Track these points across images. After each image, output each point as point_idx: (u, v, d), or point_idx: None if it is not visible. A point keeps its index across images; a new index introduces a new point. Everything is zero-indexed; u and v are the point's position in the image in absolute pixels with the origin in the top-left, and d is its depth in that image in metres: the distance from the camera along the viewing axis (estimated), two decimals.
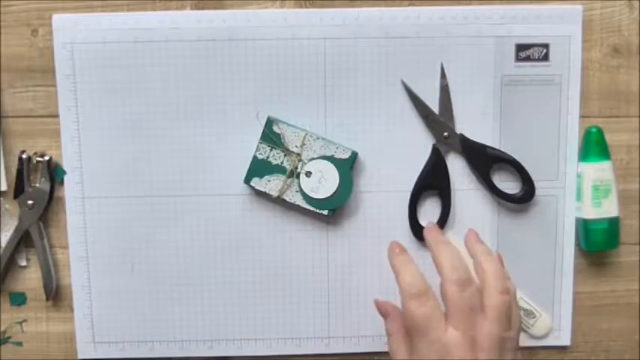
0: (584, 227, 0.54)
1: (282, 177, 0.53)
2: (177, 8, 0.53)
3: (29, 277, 0.55)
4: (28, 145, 0.54)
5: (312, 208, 0.53)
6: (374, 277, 0.55)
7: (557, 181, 0.54)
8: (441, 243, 0.48)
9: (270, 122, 0.52)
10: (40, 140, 0.54)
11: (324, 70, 0.53)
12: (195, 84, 0.53)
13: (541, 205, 0.54)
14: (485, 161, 0.53)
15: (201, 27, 0.52)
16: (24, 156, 0.53)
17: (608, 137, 0.54)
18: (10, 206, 0.54)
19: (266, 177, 0.53)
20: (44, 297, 0.55)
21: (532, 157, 0.54)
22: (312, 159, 0.52)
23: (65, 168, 0.54)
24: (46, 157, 0.53)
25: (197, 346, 0.55)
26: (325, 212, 0.53)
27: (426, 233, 0.50)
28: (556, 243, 0.55)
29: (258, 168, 0.53)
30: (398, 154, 0.54)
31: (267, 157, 0.53)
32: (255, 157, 0.53)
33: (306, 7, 0.53)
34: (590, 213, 0.54)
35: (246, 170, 0.53)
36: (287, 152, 0.53)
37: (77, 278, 0.55)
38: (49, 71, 0.53)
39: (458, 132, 0.53)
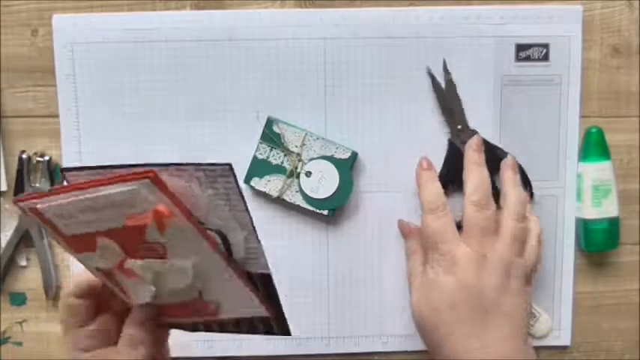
0: (585, 227, 0.54)
1: (282, 177, 0.53)
2: (177, 8, 0.53)
3: (29, 277, 0.55)
4: (28, 145, 0.54)
5: (312, 208, 0.53)
6: (374, 277, 0.55)
7: (557, 181, 0.54)
8: (474, 164, 0.50)
9: (270, 122, 0.52)
10: (40, 140, 0.54)
11: (324, 70, 0.53)
12: (195, 84, 0.53)
13: (541, 205, 0.54)
14: (492, 161, 0.52)
15: (201, 27, 0.52)
16: (24, 156, 0.53)
17: (608, 137, 0.54)
18: (10, 206, 0.54)
19: (266, 177, 0.53)
20: (44, 297, 0.55)
21: (532, 157, 0.54)
22: (312, 159, 0.52)
23: None
24: (46, 157, 0.53)
25: (197, 345, 0.55)
26: (325, 212, 0.53)
27: (468, 147, 0.51)
28: (556, 243, 0.55)
29: (258, 168, 0.53)
30: (398, 153, 0.54)
31: (267, 157, 0.53)
32: (255, 157, 0.53)
33: (306, 7, 0.53)
34: (590, 213, 0.54)
35: (246, 170, 0.53)
36: (287, 152, 0.53)
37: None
38: (49, 71, 0.53)
39: (471, 128, 0.53)
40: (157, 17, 0.52)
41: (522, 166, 0.53)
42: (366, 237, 0.55)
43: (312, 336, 0.55)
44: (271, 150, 0.53)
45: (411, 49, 0.53)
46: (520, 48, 0.53)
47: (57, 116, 0.53)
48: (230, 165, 0.37)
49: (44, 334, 0.56)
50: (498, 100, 0.54)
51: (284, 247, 0.54)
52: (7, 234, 0.54)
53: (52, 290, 0.55)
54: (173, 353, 0.55)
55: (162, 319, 0.43)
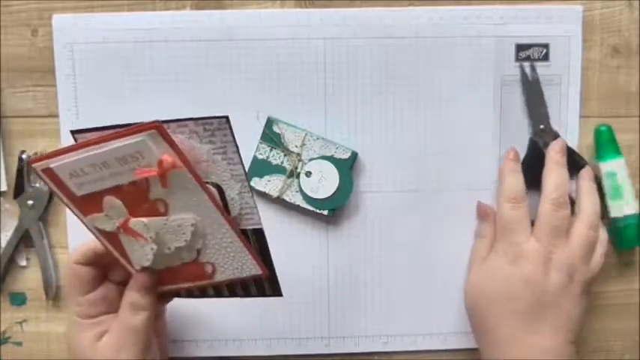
0: (626, 225, 0.54)
1: (282, 177, 0.53)
2: (177, 8, 0.53)
3: (29, 277, 0.55)
4: (28, 145, 0.54)
5: (312, 208, 0.53)
6: (374, 277, 0.55)
7: None
8: (556, 163, 0.50)
9: (270, 122, 0.52)
10: (40, 140, 0.54)
11: (324, 70, 0.53)
12: (195, 84, 0.53)
13: None
14: (569, 165, 0.52)
15: (201, 27, 0.52)
16: (24, 156, 0.53)
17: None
18: (10, 206, 0.54)
19: (266, 177, 0.53)
20: (44, 297, 0.55)
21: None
22: (312, 159, 0.52)
23: None
24: None
25: (197, 345, 0.55)
26: (325, 212, 0.53)
27: (551, 148, 0.51)
28: None
29: (258, 168, 0.53)
30: (398, 153, 0.54)
31: (267, 157, 0.53)
32: (255, 157, 0.53)
33: (306, 7, 0.53)
34: (631, 208, 0.53)
35: (249, 180, 0.53)
36: (287, 152, 0.53)
37: None
38: (49, 71, 0.53)
39: (554, 129, 0.53)
40: (157, 17, 0.52)
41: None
42: (366, 237, 0.55)
43: (312, 336, 0.55)
44: (271, 150, 0.53)
45: (410, 49, 0.53)
46: (520, 48, 0.53)
47: (57, 116, 0.53)
48: (227, 117, 0.41)
49: (44, 334, 0.56)
50: (498, 100, 0.54)
51: (284, 247, 0.54)
52: (7, 234, 0.54)
53: (52, 290, 0.55)
54: (173, 353, 0.55)
55: (160, 288, 0.45)
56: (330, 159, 0.52)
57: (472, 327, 0.51)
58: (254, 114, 0.53)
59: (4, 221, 0.54)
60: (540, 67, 0.53)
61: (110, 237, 0.42)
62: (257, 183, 0.53)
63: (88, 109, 0.53)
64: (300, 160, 0.53)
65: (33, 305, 0.56)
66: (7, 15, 0.53)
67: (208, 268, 0.44)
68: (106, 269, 0.46)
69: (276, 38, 0.53)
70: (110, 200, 0.41)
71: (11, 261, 0.55)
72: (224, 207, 0.42)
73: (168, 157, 0.38)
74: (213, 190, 0.42)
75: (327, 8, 0.53)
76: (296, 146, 0.52)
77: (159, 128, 0.38)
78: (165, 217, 0.41)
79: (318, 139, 0.53)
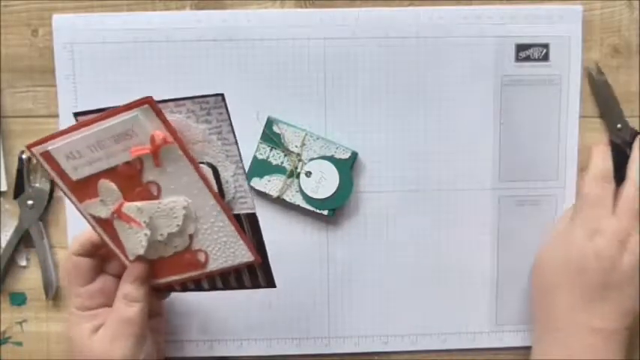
0: None
1: (282, 177, 0.53)
2: (177, 8, 0.53)
3: (29, 277, 0.55)
4: None
5: (312, 208, 0.53)
6: (374, 277, 0.55)
7: (557, 181, 0.54)
8: None
9: (270, 122, 0.52)
10: None
11: (324, 70, 0.53)
12: (195, 84, 0.53)
13: (541, 205, 0.54)
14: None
15: (201, 27, 0.52)
16: (24, 156, 0.53)
17: (608, 137, 0.54)
18: (10, 206, 0.54)
19: (266, 177, 0.53)
20: (44, 297, 0.55)
21: (532, 157, 0.54)
22: (312, 159, 0.52)
23: None
24: None
25: (197, 345, 0.55)
26: (325, 212, 0.53)
27: (636, 146, 0.51)
28: None
29: (258, 168, 0.53)
30: (398, 153, 0.54)
31: (267, 157, 0.53)
32: (255, 157, 0.53)
33: (306, 7, 0.53)
34: None
35: (245, 170, 0.53)
36: (287, 152, 0.53)
37: None
38: (49, 71, 0.53)
39: (631, 126, 0.53)
40: (157, 17, 0.52)
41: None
42: (366, 237, 0.55)
43: (312, 336, 0.55)
44: (271, 150, 0.53)
45: (411, 49, 0.53)
46: (520, 48, 0.53)
47: (57, 116, 0.53)
48: (222, 95, 0.41)
49: (44, 334, 0.56)
50: (498, 100, 0.54)
51: (284, 247, 0.54)
52: (7, 234, 0.54)
53: (52, 290, 0.55)
54: (173, 353, 0.55)
55: (154, 281, 0.45)
56: (330, 159, 0.52)
57: (533, 291, 0.52)
58: (254, 114, 0.53)
59: (4, 221, 0.54)
60: (540, 67, 0.53)
61: (105, 225, 0.43)
62: (257, 183, 0.53)
63: (88, 109, 0.53)
64: (300, 160, 0.53)
65: (33, 305, 0.56)
66: (7, 15, 0.53)
67: (201, 257, 0.45)
68: (103, 261, 0.46)
69: (276, 38, 0.53)
70: (104, 183, 0.41)
71: (11, 261, 0.55)
72: (219, 191, 0.43)
73: (160, 133, 0.39)
74: (207, 169, 0.42)
75: (327, 8, 0.53)
76: (296, 146, 0.52)
77: (151, 103, 0.39)
78: (158, 201, 0.42)
79: (318, 139, 0.53)
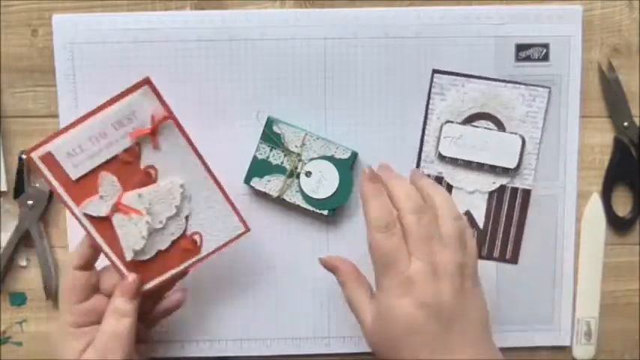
0: None
1: (282, 177, 0.53)
2: (177, 8, 0.53)
3: (29, 277, 0.55)
4: (28, 145, 0.53)
5: (312, 208, 0.53)
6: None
7: (557, 181, 0.54)
8: (394, 178, 0.47)
9: (270, 122, 0.52)
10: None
11: (324, 70, 0.53)
12: (195, 84, 0.53)
13: (541, 205, 0.54)
14: None
15: (201, 27, 0.52)
16: (24, 156, 0.53)
17: (608, 137, 0.54)
18: (10, 206, 0.54)
19: (266, 177, 0.53)
20: (44, 297, 0.55)
21: (531, 157, 0.54)
22: (312, 159, 0.52)
23: None
24: None
25: (197, 345, 0.55)
26: (325, 212, 0.53)
27: (380, 171, 0.47)
28: (556, 243, 0.55)
29: (258, 168, 0.53)
30: (398, 153, 0.54)
31: (267, 157, 0.53)
32: (255, 157, 0.53)
33: (306, 7, 0.53)
34: None
35: (246, 170, 0.53)
36: (287, 152, 0.53)
37: None
38: (49, 71, 0.53)
39: (638, 126, 0.54)
40: (157, 17, 0.52)
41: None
42: (365, 237, 0.54)
43: (312, 336, 0.55)
44: (271, 150, 0.53)
45: (411, 49, 0.53)
46: (520, 48, 0.53)
47: (57, 116, 0.53)
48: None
49: (44, 334, 0.56)
50: None
51: (284, 247, 0.54)
52: (7, 234, 0.54)
53: (52, 290, 0.55)
54: (173, 353, 0.55)
55: (149, 285, 0.47)
56: (330, 159, 0.52)
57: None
58: (254, 114, 0.53)
59: (4, 221, 0.54)
60: (540, 67, 0.53)
61: (102, 227, 0.44)
62: (257, 183, 0.53)
63: (88, 109, 0.53)
64: (300, 160, 0.53)
65: (33, 305, 0.56)
66: (7, 15, 0.53)
67: (197, 239, 0.47)
68: (99, 280, 0.47)
69: (276, 38, 0.53)
70: (105, 175, 0.43)
71: (11, 261, 0.55)
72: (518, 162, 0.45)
73: (160, 110, 0.43)
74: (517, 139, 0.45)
75: (327, 8, 0.53)
76: (296, 146, 0.52)
77: (149, 84, 0.42)
78: (156, 185, 0.45)
79: (318, 139, 0.53)
